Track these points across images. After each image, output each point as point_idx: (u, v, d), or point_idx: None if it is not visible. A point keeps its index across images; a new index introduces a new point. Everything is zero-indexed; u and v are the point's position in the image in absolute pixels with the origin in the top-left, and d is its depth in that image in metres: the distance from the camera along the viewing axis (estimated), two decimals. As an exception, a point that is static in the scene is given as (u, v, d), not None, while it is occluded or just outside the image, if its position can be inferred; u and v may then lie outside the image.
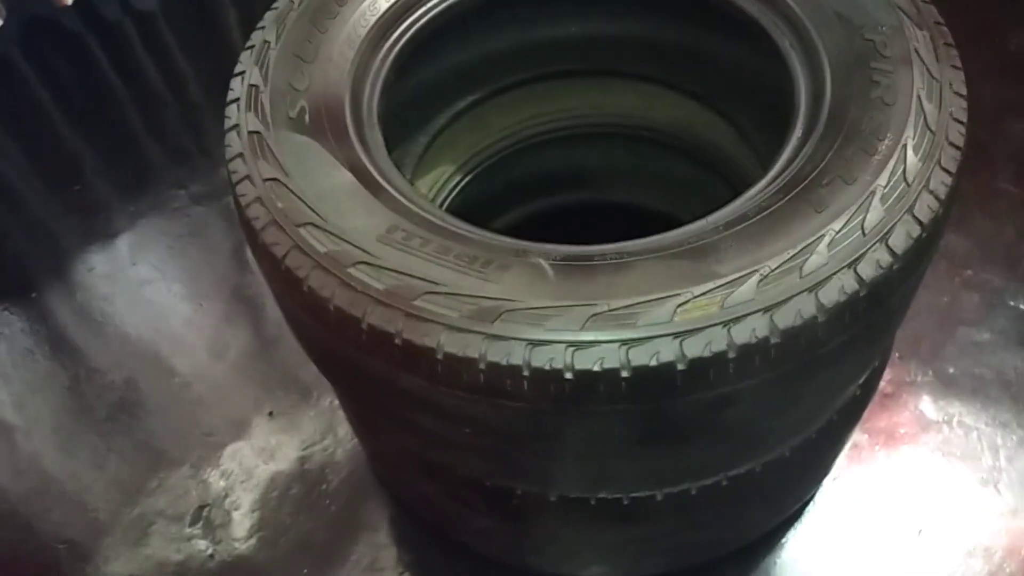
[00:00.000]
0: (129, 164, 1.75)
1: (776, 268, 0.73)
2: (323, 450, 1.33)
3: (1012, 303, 1.43)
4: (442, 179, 1.29)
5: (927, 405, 1.33)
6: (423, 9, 1.03)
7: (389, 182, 0.86)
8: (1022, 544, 1.19)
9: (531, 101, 1.29)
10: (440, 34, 1.06)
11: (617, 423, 0.77)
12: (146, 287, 1.53)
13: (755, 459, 0.94)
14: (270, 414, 1.37)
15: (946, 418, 1.32)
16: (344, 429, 1.34)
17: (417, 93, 1.14)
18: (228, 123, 0.91)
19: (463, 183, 1.32)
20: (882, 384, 1.35)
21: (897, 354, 1.38)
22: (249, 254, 1.49)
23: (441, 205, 1.28)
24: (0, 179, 1.77)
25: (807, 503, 1.24)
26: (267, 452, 1.35)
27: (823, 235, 0.75)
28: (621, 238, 0.79)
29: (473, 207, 1.33)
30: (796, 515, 1.23)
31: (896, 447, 1.31)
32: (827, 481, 1.24)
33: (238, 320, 1.48)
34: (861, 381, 1.00)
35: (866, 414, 1.26)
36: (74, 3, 2.00)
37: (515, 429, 0.79)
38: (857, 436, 1.29)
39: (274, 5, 1.00)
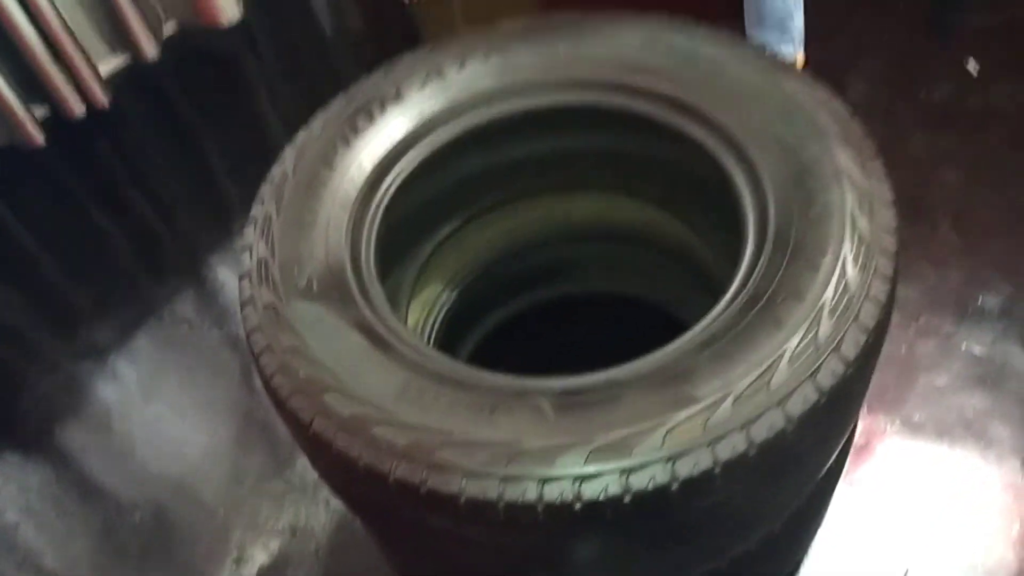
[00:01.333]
0: (128, 302, 1.84)
1: (747, 388, 0.83)
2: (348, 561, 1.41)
3: (964, 347, 1.55)
4: (433, 297, 1.39)
5: (898, 452, 1.44)
6: (405, 160, 1.13)
7: (397, 337, 0.95)
8: None
9: (506, 218, 1.39)
10: (420, 177, 1.16)
11: (622, 539, 0.86)
12: (161, 422, 1.61)
13: (749, 540, 1.04)
14: (293, 533, 1.44)
15: (917, 463, 1.42)
16: (364, 538, 1.42)
17: (405, 231, 1.24)
18: (243, 296, 1.00)
19: (453, 297, 1.42)
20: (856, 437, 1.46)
21: (866, 407, 1.48)
22: (256, 380, 1.58)
23: (436, 320, 1.38)
24: (7, 329, 1.86)
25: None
26: (295, 566, 1.42)
27: (784, 352, 0.85)
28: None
29: (464, 313, 1.43)
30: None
31: (874, 493, 1.41)
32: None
33: (253, 444, 1.56)
34: (833, 458, 1.10)
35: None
36: (53, 142, 2.10)
37: (532, 554, 0.88)
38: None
39: (269, 177, 1.10)
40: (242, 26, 2.30)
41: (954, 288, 1.62)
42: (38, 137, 2.07)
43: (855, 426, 1.15)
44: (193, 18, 2.26)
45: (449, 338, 1.40)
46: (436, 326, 1.36)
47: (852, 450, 1.43)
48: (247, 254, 1.02)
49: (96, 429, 1.63)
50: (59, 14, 1.98)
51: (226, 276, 1.84)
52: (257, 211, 1.06)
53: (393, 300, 1.12)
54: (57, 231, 2.04)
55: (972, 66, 1.97)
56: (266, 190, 1.08)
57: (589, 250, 1.51)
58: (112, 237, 2.00)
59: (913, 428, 1.46)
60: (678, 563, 0.97)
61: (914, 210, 1.66)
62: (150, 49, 2.20)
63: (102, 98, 2.12)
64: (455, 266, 1.39)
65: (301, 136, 1.13)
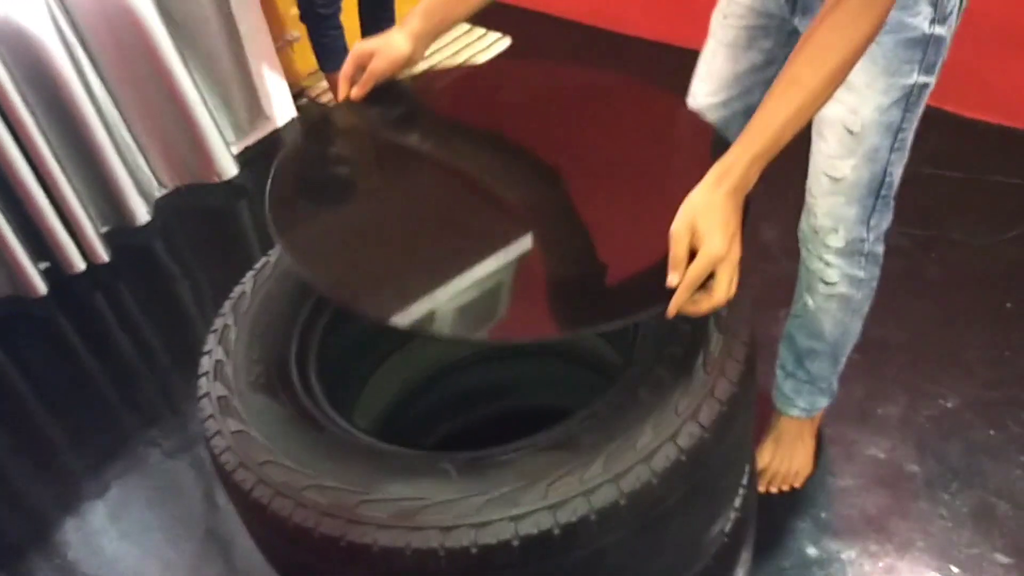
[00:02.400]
0: (103, 431, 1.98)
1: (616, 449, 0.98)
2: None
3: (866, 452, 1.69)
4: (379, 408, 1.54)
5: (808, 547, 1.55)
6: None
7: (331, 422, 1.10)
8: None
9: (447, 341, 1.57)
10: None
11: (517, 586, 0.98)
12: (127, 539, 1.72)
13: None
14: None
15: (825, 555, 1.54)
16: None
17: (349, 345, 1.41)
18: (200, 391, 1.15)
19: (399, 409, 1.57)
20: (766, 533, 1.57)
21: (778, 508, 1.62)
22: (218, 497, 1.71)
23: (382, 428, 1.52)
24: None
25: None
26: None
27: (648, 419, 1.01)
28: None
29: (410, 426, 1.58)
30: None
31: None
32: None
33: (213, 558, 1.66)
34: (725, 529, 1.23)
35: (754, 563, 1.48)
36: (52, 291, 2.31)
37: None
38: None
39: (231, 295, 1.28)
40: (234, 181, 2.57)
41: (857, 400, 1.78)
42: (40, 288, 2.28)
43: (751, 503, 1.28)
44: (191, 179, 2.53)
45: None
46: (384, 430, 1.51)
47: (762, 547, 1.55)
48: (206, 357, 1.19)
49: (65, 546, 1.73)
50: (69, 181, 2.24)
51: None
52: (218, 323, 1.24)
53: (337, 397, 1.27)
54: (47, 372, 2.21)
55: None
56: (227, 305, 1.26)
57: (526, 370, 1.67)
58: (96, 375, 2.16)
59: (821, 525, 1.58)
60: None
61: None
62: (142, 214, 2.45)
63: (102, 255, 2.35)
64: (398, 381, 1.55)
65: (261, 261, 1.33)
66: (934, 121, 2.44)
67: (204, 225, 2.60)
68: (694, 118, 1.29)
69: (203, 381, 1.16)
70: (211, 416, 1.11)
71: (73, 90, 2.18)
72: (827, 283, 1.44)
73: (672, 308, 0.97)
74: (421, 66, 1.36)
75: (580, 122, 1.35)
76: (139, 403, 2.08)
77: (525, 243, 1.16)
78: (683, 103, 1.36)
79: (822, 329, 1.51)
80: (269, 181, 1.21)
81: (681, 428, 1.00)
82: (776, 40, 1.37)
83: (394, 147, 1.35)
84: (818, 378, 1.59)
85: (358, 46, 1.26)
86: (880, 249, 1.45)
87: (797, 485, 1.65)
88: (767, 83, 1.40)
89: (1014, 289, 1.99)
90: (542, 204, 1.23)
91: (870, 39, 1.04)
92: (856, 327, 1.53)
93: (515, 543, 0.93)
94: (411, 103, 1.37)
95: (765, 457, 1.66)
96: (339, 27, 2.58)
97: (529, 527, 0.94)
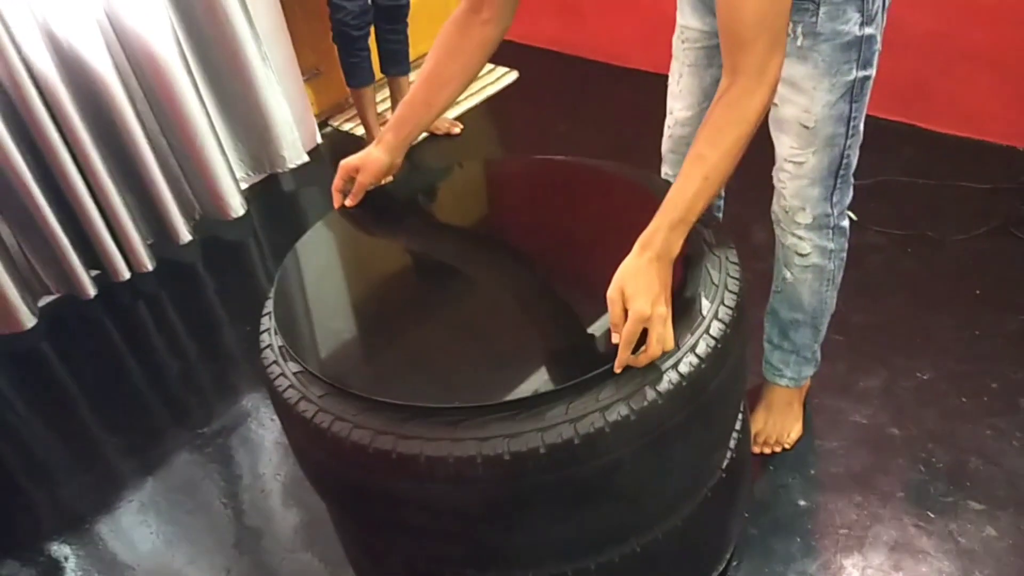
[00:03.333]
0: (139, 426, 2.14)
1: (627, 373, 1.14)
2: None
3: (850, 419, 1.84)
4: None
5: (799, 499, 1.70)
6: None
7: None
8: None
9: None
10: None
11: (542, 494, 1.13)
12: (159, 531, 1.86)
13: (656, 524, 1.30)
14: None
15: (814, 506, 1.68)
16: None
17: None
18: (263, 344, 1.31)
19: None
20: (761, 488, 1.72)
21: (771, 467, 1.76)
22: (248, 492, 1.83)
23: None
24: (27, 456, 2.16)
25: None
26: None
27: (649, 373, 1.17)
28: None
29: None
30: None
31: (779, 531, 1.65)
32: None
33: (244, 550, 1.80)
34: (722, 465, 1.38)
35: (752, 511, 1.62)
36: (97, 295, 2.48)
37: (477, 504, 1.15)
38: (749, 528, 1.64)
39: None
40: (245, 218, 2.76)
41: (840, 375, 1.93)
42: (90, 291, 2.46)
43: (735, 447, 1.43)
44: (213, 212, 2.72)
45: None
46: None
47: (760, 496, 1.70)
48: (266, 316, 1.34)
49: (99, 541, 1.87)
50: (123, 200, 2.44)
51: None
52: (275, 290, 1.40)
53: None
54: (91, 367, 2.37)
55: (853, 215, 2.41)
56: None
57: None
58: (134, 372, 2.33)
59: (810, 480, 1.73)
60: (591, 532, 1.23)
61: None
62: (184, 233, 2.63)
63: (147, 264, 2.54)
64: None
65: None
66: (908, 136, 2.67)
67: (235, 244, 2.79)
68: (652, 198, 1.28)
69: (265, 336, 1.32)
70: (274, 362, 1.27)
71: (127, 117, 2.36)
72: (801, 255, 1.61)
73: (618, 364, 1.11)
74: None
75: (551, 210, 1.56)
76: (173, 399, 2.24)
77: (500, 321, 1.35)
78: (642, 184, 1.50)
79: (801, 300, 1.67)
80: (276, 280, 1.39)
81: (682, 358, 1.16)
82: None
83: (381, 245, 1.54)
84: (802, 347, 1.74)
85: (344, 162, 1.46)
86: (845, 223, 1.61)
87: (788, 447, 1.79)
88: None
89: (983, 278, 2.15)
90: (516, 284, 1.41)
91: (761, 113, 1.18)
92: (831, 298, 1.69)
93: (542, 451, 1.09)
94: (396, 206, 1.57)
95: (759, 423, 1.80)
96: (367, 48, 2.84)
97: (554, 437, 1.09)
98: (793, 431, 1.80)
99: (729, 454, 1.42)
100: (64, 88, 2.23)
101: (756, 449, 1.78)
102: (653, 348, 1.11)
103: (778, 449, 1.79)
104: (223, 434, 2.07)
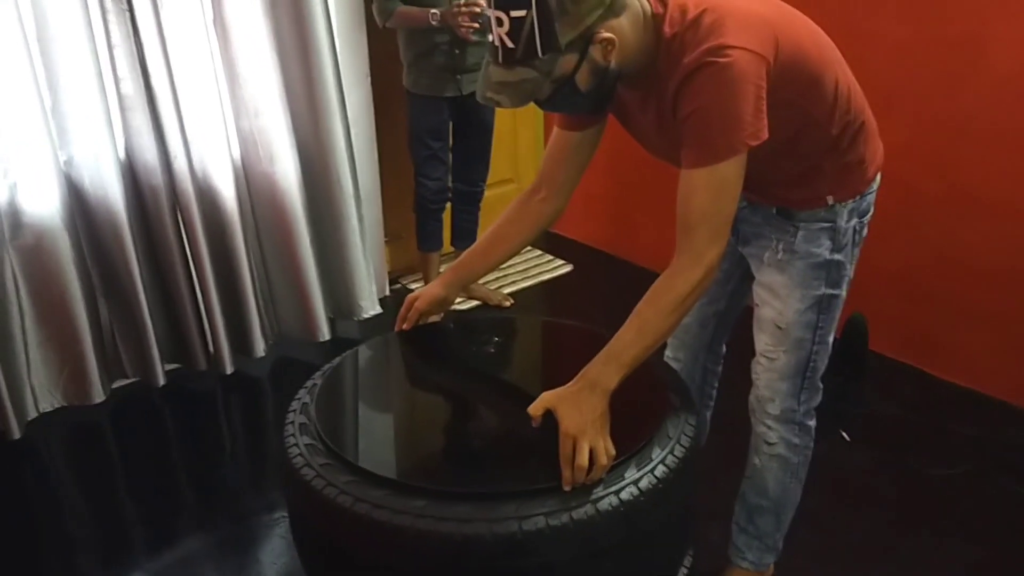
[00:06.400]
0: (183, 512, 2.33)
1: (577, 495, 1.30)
2: None
3: None
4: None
5: None
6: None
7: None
8: None
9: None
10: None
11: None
12: None
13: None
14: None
15: None
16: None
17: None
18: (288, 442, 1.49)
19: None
20: None
21: None
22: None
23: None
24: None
25: None
26: None
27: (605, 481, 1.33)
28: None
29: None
30: None
31: None
32: None
33: None
34: None
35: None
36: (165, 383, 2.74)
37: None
38: None
39: (305, 385, 1.61)
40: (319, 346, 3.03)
41: (804, 570, 2.01)
42: (161, 380, 2.74)
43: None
44: (296, 333, 3.02)
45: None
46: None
47: None
48: (290, 423, 1.51)
49: None
50: (220, 299, 2.76)
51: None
52: (297, 400, 1.58)
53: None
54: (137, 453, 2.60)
55: (846, 435, 2.53)
56: (303, 392, 1.61)
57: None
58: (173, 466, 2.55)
59: None
60: None
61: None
62: (260, 349, 2.92)
63: (227, 367, 2.82)
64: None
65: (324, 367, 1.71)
66: (911, 376, 2.83)
67: (305, 365, 3.04)
68: None
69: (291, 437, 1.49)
70: (300, 454, 1.43)
71: (237, 240, 2.74)
72: (769, 443, 1.76)
73: (564, 482, 1.26)
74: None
75: (555, 361, 1.88)
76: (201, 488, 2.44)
77: (488, 436, 1.59)
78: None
79: (767, 486, 1.80)
80: (322, 376, 1.63)
81: (624, 487, 1.31)
82: (731, 261, 1.75)
83: (419, 368, 1.80)
84: (764, 534, 1.85)
85: (410, 296, 1.74)
86: (811, 423, 1.76)
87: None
88: (729, 295, 1.83)
89: (954, 511, 2.23)
90: (509, 411, 1.59)
91: (694, 287, 1.37)
92: (795, 491, 1.81)
93: (488, 538, 1.25)
94: (442, 340, 1.83)
95: (721, 602, 1.88)
96: (440, 221, 3.24)
97: (501, 528, 1.25)
98: (754, 615, 1.87)
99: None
100: (195, 203, 2.61)
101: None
102: (581, 461, 1.27)
103: (739, 631, 1.86)
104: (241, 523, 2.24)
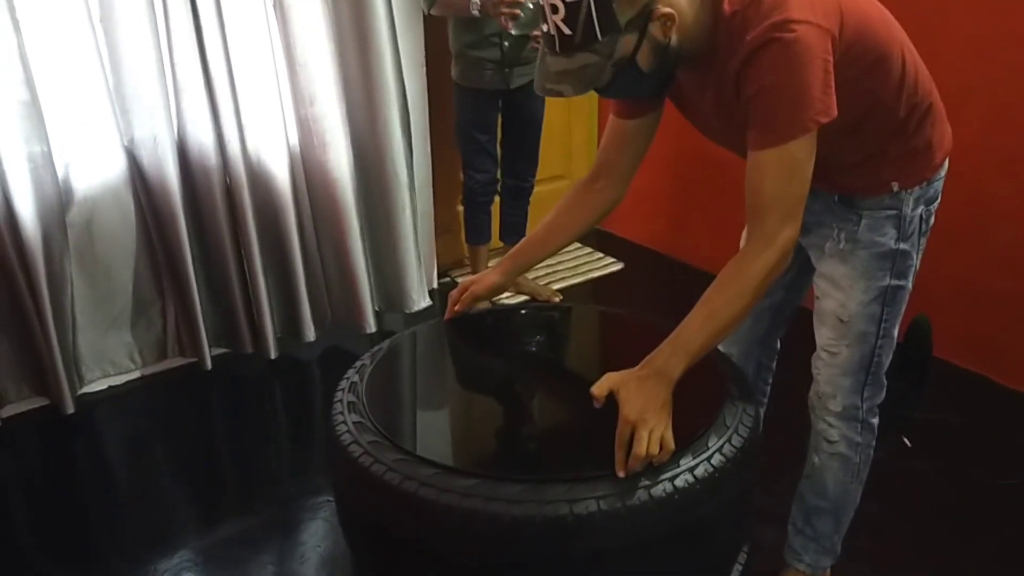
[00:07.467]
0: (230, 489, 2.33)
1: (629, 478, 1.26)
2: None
3: None
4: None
5: None
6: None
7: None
8: None
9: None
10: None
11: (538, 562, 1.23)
12: None
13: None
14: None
15: None
16: None
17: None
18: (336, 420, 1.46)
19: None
20: None
21: None
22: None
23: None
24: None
25: None
26: None
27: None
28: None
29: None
30: None
31: None
32: None
33: None
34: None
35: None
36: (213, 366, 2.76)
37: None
38: None
39: (354, 365, 1.58)
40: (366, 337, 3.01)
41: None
42: (208, 363, 2.76)
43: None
44: (346, 323, 3.00)
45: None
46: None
47: None
48: (338, 402, 1.48)
49: None
50: (267, 288, 2.76)
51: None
52: (346, 378, 1.55)
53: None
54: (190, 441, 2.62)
55: (907, 441, 2.44)
56: (351, 371, 1.58)
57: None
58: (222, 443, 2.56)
59: None
60: None
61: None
62: (310, 333, 2.92)
63: (271, 353, 2.83)
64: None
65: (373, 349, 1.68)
66: (976, 384, 2.72)
67: (344, 352, 3.05)
68: None
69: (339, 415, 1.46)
70: (348, 431, 1.39)
71: (291, 227, 2.74)
72: (829, 441, 1.68)
73: (617, 467, 1.22)
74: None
75: (609, 351, 1.84)
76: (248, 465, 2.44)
77: (542, 422, 1.58)
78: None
79: (826, 487, 1.72)
80: (372, 357, 1.60)
81: (679, 474, 1.26)
82: None
83: (471, 353, 1.76)
84: (822, 536, 1.77)
85: (464, 280, 1.70)
86: (874, 421, 1.69)
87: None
88: (785, 287, 1.75)
89: (1019, 524, 2.12)
90: (562, 398, 1.59)
91: (766, 273, 1.31)
92: (855, 492, 1.74)
93: (538, 520, 1.20)
94: (494, 327, 1.80)
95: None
96: (488, 214, 3.20)
97: (551, 511, 1.20)
98: (810, 618, 1.80)
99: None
100: (246, 187, 2.62)
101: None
102: (639, 449, 1.21)
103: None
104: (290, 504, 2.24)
